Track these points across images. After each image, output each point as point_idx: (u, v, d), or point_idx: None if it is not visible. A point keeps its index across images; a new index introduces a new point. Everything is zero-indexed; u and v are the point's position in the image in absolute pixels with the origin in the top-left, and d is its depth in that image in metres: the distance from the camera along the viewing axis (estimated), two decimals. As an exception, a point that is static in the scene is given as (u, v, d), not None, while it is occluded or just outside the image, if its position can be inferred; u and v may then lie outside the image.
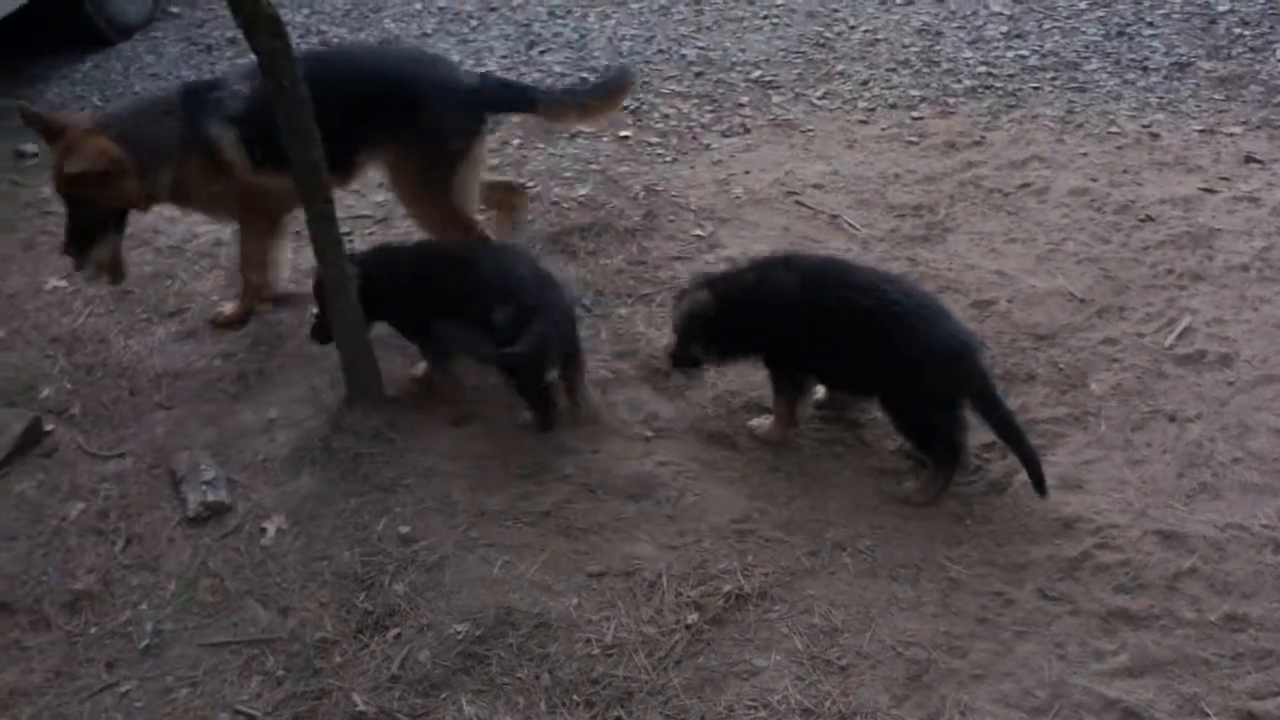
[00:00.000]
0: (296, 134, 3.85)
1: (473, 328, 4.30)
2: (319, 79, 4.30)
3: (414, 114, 4.83)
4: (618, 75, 5.43)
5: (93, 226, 4.91)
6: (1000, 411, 3.99)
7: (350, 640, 3.68)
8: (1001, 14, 7.65)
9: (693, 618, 3.64)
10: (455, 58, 7.66)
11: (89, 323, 5.37)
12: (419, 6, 8.60)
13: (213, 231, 6.01)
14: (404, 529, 4.01)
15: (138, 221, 6.04)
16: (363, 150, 4.95)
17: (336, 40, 8.06)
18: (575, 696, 3.43)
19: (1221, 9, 7.45)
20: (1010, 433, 3.99)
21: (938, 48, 7.28)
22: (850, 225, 5.58)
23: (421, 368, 4.69)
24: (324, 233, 4.10)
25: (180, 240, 5.97)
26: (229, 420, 4.66)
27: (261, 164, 4.84)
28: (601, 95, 5.30)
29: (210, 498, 4.21)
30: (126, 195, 4.84)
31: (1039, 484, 3.95)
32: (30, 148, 7.06)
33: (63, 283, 5.63)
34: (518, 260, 4.55)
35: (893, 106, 6.68)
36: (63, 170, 4.68)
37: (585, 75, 7.27)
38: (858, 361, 4.14)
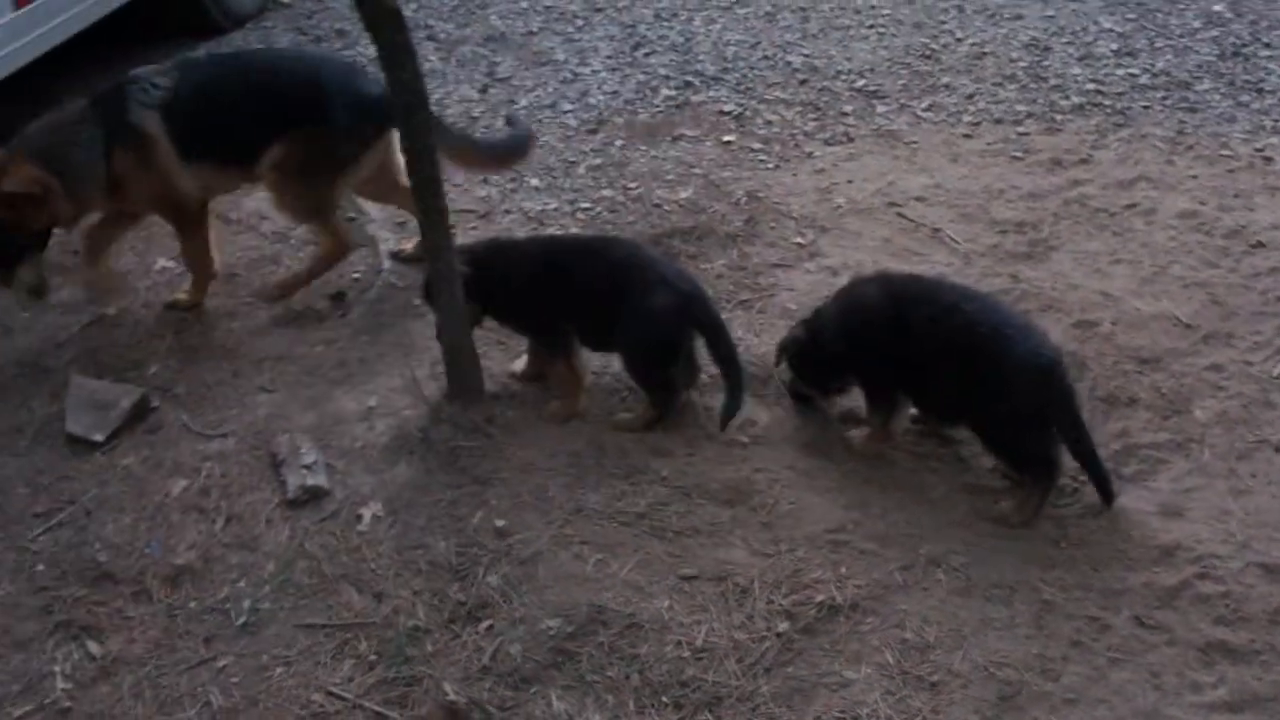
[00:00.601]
0: (414, 127, 3.92)
1: (604, 318, 4.38)
2: (232, 79, 4.99)
3: (313, 115, 5.04)
4: (521, 138, 5.54)
5: (17, 249, 4.98)
6: (1078, 430, 3.99)
7: (442, 629, 3.73)
8: (1112, 31, 7.54)
9: (784, 626, 3.65)
10: (560, 56, 7.74)
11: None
12: (525, 4, 8.65)
13: (317, 219, 6.11)
14: (499, 522, 4.05)
15: (242, 207, 6.19)
16: (270, 149, 5.11)
17: (444, 35, 8.14)
18: (664, 698, 3.45)
19: (1341, 33, 7.31)
20: (1084, 451, 4.00)
21: (1046, 63, 7.20)
22: (952, 239, 5.54)
23: (521, 364, 4.74)
24: (436, 227, 4.17)
25: (285, 225, 6.07)
26: (329, 406, 4.74)
27: (189, 155, 4.97)
28: (499, 153, 5.53)
29: (309, 481, 4.28)
30: (56, 216, 4.95)
31: (1106, 495, 4.00)
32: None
33: (171, 263, 5.76)
34: (645, 251, 4.62)
35: (998, 121, 6.62)
36: None
37: (689, 79, 7.29)
38: (945, 381, 4.14)
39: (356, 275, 5.57)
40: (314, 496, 4.26)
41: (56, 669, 3.70)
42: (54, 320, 5.44)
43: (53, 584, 4.01)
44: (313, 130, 5.04)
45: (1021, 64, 7.22)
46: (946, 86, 7.03)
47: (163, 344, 5.18)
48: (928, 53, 7.47)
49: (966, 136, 6.49)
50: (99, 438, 4.60)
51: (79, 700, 3.60)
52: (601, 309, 4.44)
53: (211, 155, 5.09)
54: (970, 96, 6.89)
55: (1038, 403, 4.00)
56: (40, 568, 4.08)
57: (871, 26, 7.88)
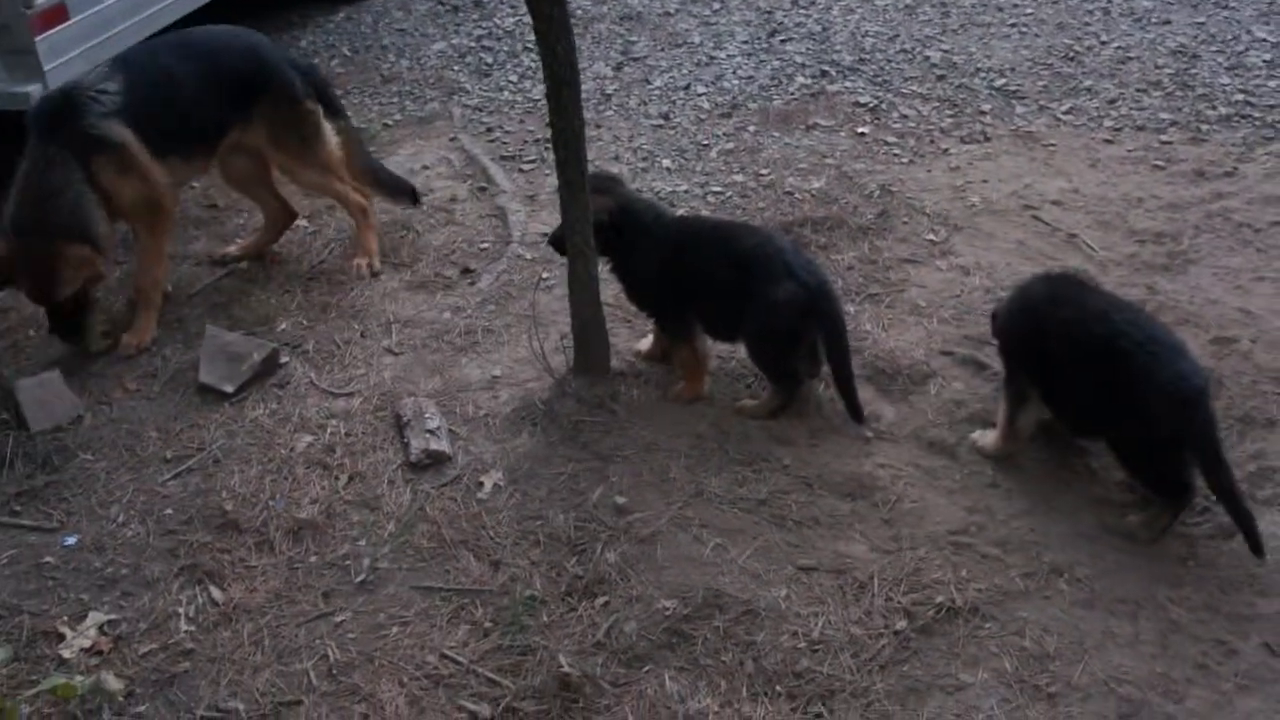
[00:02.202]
0: (563, 102, 3.92)
1: (733, 302, 4.36)
2: (182, 69, 5.00)
3: (271, 83, 5.19)
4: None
5: (82, 311, 4.99)
6: (1217, 464, 3.81)
7: (558, 602, 3.75)
8: (1265, 40, 7.32)
9: (901, 624, 3.61)
10: (696, 39, 7.75)
11: (326, 263, 5.58)
12: (662, -16, 8.68)
13: (449, 187, 6.18)
14: (620, 499, 4.06)
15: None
16: (234, 128, 5.22)
17: (580, 12, 8.16)
18: (778, 687, 3.43)
19: None
20: (1224, 488, 3.82)
21: (1193, 71, 7.01)
22: (1088, 246, 5.43)
23: (646, 343, 4.73)
24: (575, 201, 4.17)
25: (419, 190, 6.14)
26: (454, 373, 4.79)
27: (158, 152, 4.95)
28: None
29: (432, 446, 4.32)
30: (99, 274, 4.96)
31: (1255, 546, 3.79)
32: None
33: (304, 222, 5.86)
34: (777, 238, 4.57)
35: (1140, 128, 6.47)
36: (53, 297, 4.85)
37: (825, 69, 7.23)
38: (1083, 390, 4.04)
39: (485, 245, 5.61)
40: (436, 461, 4.30)
41: (181, 610, 3.79)
42: (188, 272, 5.59)
43: (180, 528, 4.11)
44: (274, 101, 5.20)
45: (1167, 70, 7.04)
46: (1088, 90, 6.89)
47: (292, 301, 5.29)
48: (1070, 54, 7.32)
49: (1107, 142, 6.35)
50: (229, 389, 4.70)
51: (201, 643, 3.68)
52: (728, 297, 4.42)
53: (180, 147, 5.10)
54: (1112, 101, 6.74)
55: (1178, 430, 3.85)
56: (169, 511, 4.18)
57: (1013, 25, 7.75)
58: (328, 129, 5.39)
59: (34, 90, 5.75)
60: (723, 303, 4.44)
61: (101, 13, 6.16)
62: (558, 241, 4.55)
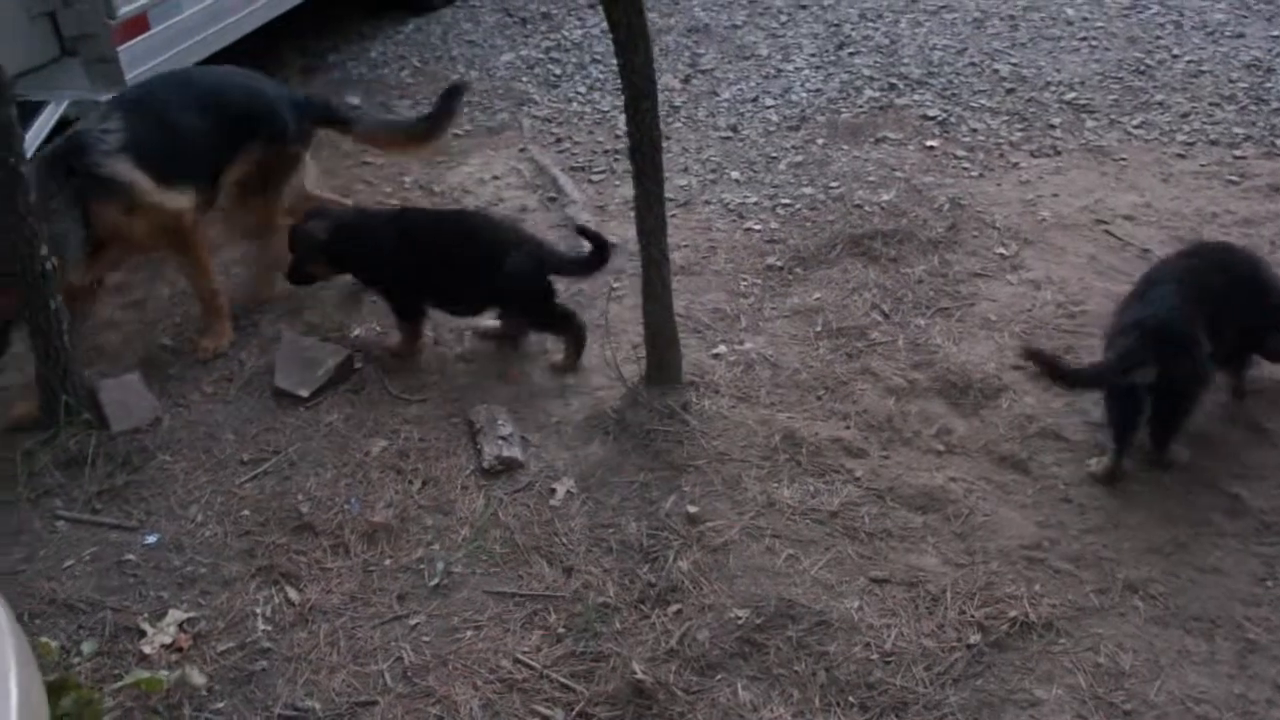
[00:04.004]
0: (641, 114, 3.95)
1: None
2: (186, 105, 4.97)
3: (267, 123, 5.18)
4: (442, 104, 5.65)
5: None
6: None
7: (631, 609, 3.76)
8: (1341, 56, 7.25)
9: (975, 638, 3.59)
10: (763, 51, 7.76)
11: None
12: (729, -3, 8.71)
13: (519, 197, 6.23)
14: (692, 508, 4.08)
15: (445, 180, 6.34)
16: (231, 166, 5.18)
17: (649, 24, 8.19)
18: (850, 698, 3.43)
19: None
20: None
21: (1268, 85, 6.93)
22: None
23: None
24: (651, 212, 4.20)
25: (487, 202, 6.20)
26: (525, 380, 4.82)
27: (162, 181, 4.87)
28: (417, 129, 5.71)
29: (505, 453, 4.36)
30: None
31: None
32: (354, 100, 7.44)
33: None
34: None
35: (1214, 143, 6.41)
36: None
37: (894, 82, 7.22)
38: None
39: (556, 255, 5.65)
40: (508, 468, 4.34)
41: (258, 610, 3.84)
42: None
43: (256, 529, 4.17)
44: (270, 138, 5.21)
45: (1241, 85, 6.97)
46: (1160, 104, 6.83)
47: (365, 308, 5.34)
48: (1141, 68, 7.26)
49: (1179, 156, 6.30)
50: (304, 393, 4.76)
51: (278, 642, 3.72)
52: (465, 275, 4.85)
53: (188, 180, 4.99)
54: (1185, 116, 6.69)
55: None
56: (246, 512, 4.24)
57: (1084, 39, 7.70)
58: (300, 174, 5.41)
59: (114, 99, 5.89)
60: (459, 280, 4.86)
61: (180, 23, 6.28)
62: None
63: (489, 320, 5.07)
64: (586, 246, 4.79)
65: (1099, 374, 4.20)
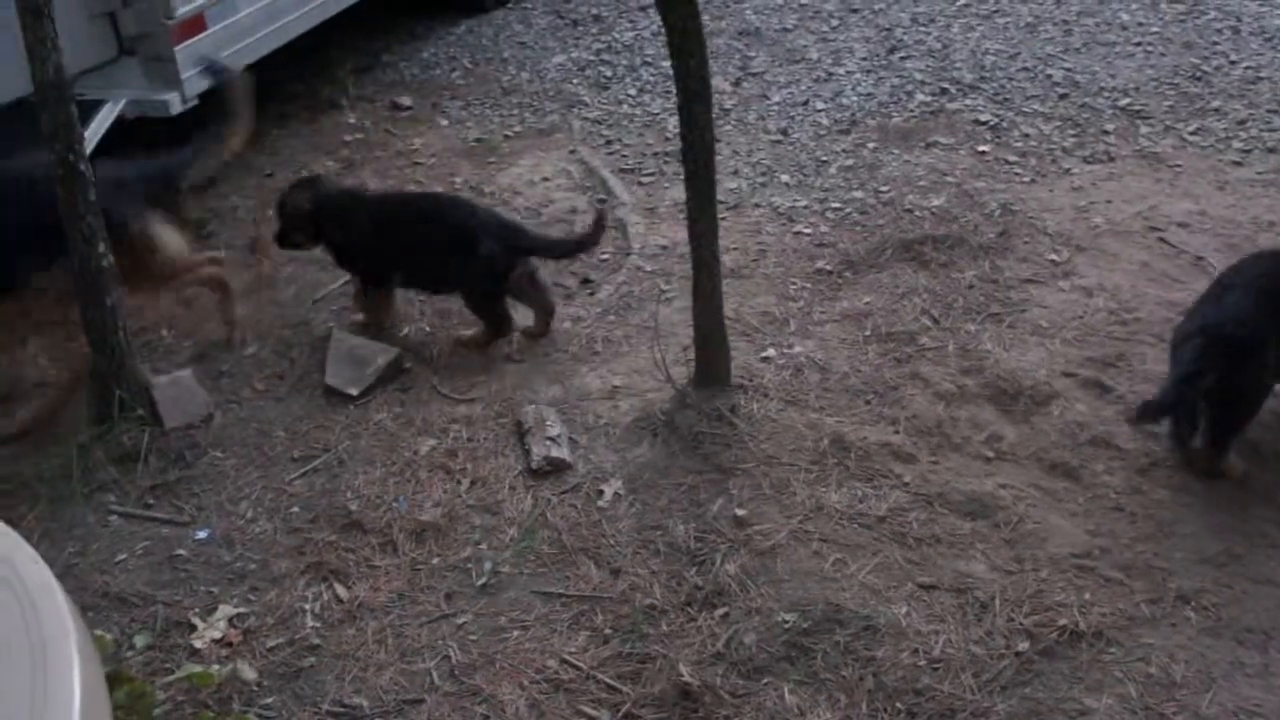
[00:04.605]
0: (694, 116, 3.95)
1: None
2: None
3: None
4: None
5: None
6: None
7: (678, 611, 3.76)
8: (1402, 64, 7.15)
9: (1023, 646, 3.56)
10: (814, 55, 7.76)
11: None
12: (780, 1, 8.69)
13: (569, 198, 6.25)
14: (739, 511, 4.07)
15: (495, 181, 6.37)
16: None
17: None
18: (898, 704, 3.41)
19: None
20: None
21: (1327, 93, 6.87)
22: (1215, 269, 5.32)
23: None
24: (703, 215, 4.20)
25: (537, 204, 6.23)
26: (574, 382, 4.84)
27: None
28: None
29: (553, 453, 4.37)
30: None
31: None
32: (405, 100, 7.49)
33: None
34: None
35: (1271, 150, 6.34)
36: None
37: (945, 86, 7.19)
38: None
39: (605, 257, 5.66)
40: (556, 468, 4.35)
41: (307, 607, 3.87)
42: (313, 277, 5.69)
43: (306, 526, 4.20)
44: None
45: (1300, 92, 6.90)
46: (1216, 110, 6.76)
47: (415, 308, 5.37)
48: (1198, 74, 7.19)
49: (1236, 164, 6.23)
50: (354, 392, 4.80)
51: (326, 639, 3.75)
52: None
53: None
54: (1242, 123, 6.61)
55: None
56: (295, 509, 4.28)
57: (1138, 44, 7.63)
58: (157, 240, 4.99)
59: (171, 98, 5.96)
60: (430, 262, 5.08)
61: (237, 23, 6.35)
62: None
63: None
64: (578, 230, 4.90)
65: (1173, 402, 4.15)
